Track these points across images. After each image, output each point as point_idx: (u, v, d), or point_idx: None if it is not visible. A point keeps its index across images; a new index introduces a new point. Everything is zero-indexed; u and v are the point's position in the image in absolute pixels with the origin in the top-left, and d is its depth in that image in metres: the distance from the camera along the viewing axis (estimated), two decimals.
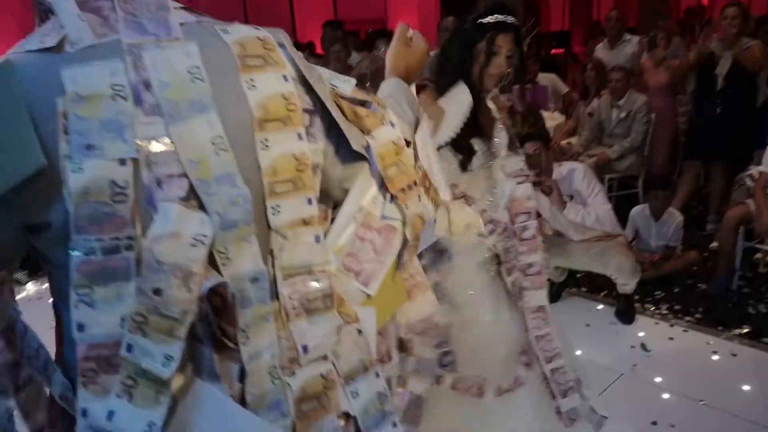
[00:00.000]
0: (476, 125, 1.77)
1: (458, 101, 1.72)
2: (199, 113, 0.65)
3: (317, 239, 0.73)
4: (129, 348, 0.62)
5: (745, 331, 2.96)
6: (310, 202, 0.73)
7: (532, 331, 1.79)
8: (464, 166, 1.76)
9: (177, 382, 0.64)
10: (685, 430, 2.25)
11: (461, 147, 1.76)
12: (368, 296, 0.80)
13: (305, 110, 0.75)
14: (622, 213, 3.66)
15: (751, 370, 2.62)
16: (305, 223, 0.72)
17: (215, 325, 0.65)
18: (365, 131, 0.81)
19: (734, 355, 2.76)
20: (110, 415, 0.62)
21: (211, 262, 0.65)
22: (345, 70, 4.35)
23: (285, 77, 0.73)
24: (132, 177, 0.63)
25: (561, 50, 8.31)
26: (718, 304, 3.21)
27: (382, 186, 0.82)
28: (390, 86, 0.99)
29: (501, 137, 1.86)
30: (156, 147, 0.64)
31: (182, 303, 0.61)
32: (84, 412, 0.64)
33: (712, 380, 2.57)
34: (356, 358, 0.76)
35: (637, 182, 4.45)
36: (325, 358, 0.73)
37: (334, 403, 0.74)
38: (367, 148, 0.80)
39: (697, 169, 4.36)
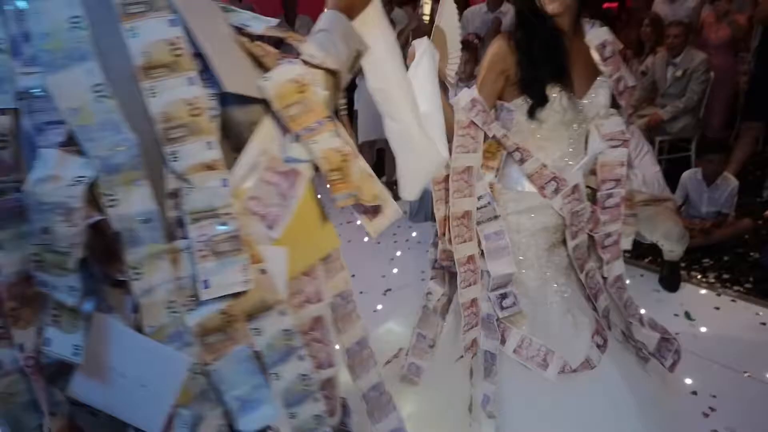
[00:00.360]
0: (558, 70, 1.58)
1: (449, 15, 1.58)
2: (78, 62, 0.68)
3: (224, 183, 0.75)
4: (42, 284, 0.69)
5: None
6: (210, 146, 0.74)
7: (617, 302, 1.71)
8: (531, 113, 1.59)
9: (83, 315, 0.71)
10: (726, 400, 2.19)
11: (533, 91, 1.58)
12: (275, 239, 0.81)
13: (197, 54, 0.74)
14: (672, 177, 3.51)
15: None
16: (208, 167, 0.73)
17: (104, 260, 0.71)
18: (266, 71, 0.81)
19: None
20: (47, 341, 0.71)
21: (99, 204, 0.71)
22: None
23: (172, 21, 0.72)
24: (12, 125, 0.68)
25: (614, 4, 7.90)
26: None
27: (286, 127, 0.81)
28: (325, 19, 0.95)
29: (600, 94, 1.65)
30: (35, 96, 0.68)
31: (68, 237, 0.67)
32: (21, 348, 0.73)
33: (758, 352, 2.48)
34: (257, 297, 0.78)
35: (690, 145, 4.25)
36: (223, 296, 0.76)
37: (241, 334, 0.77)
38: (264, 88, 0.80)
39: (756, 132, 4.12)
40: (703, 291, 3.02)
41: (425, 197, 4.23)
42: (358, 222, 0.96)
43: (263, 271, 0.78)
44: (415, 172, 1.20)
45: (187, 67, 0.72)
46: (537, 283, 1.70)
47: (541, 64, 1.56)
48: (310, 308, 0.89)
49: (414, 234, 3.93)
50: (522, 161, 1.62)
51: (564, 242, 1.70)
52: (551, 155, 1.64)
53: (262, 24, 0.84)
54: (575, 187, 1.64)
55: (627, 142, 1.67)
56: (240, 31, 0.83)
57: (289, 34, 0.87)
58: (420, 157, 1.16)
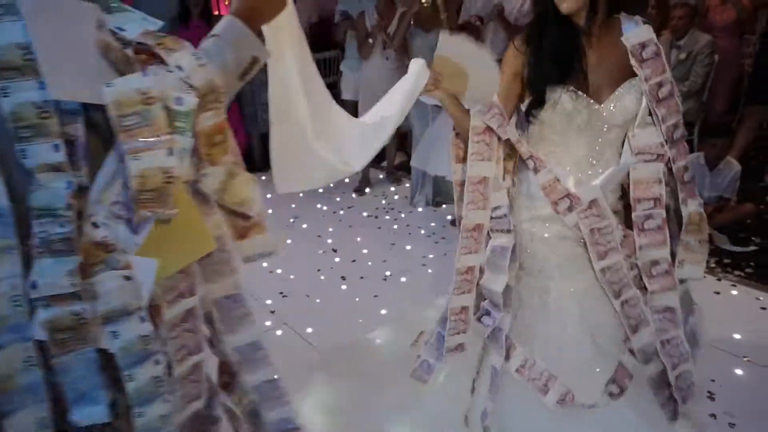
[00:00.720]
0: (564, 71, 1.48)
1: (481, 65, 1.52)
2: None
3: (68, 186, 0.78)
4: None
5: None
6: (56, 149, 0.77)
7: (657, 335, 1.56)
8: (527, 112, 1.52)
9: None
10: (724, 385, 2.20)
11: (531, 90, 1.50)
12: (139, 244, 0.84)
13: None
14: None
15: None
16: (54, 168, 0.78)
17: None
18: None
19: None
20: None
21: None
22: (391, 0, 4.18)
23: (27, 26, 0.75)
24: None
25: None
26: None
27: (115, 136, 0.83)
28: (220, 25, 0.97)
29: (627, 99, 1.50)
30: None
31: None
32: None
33: (758, 337, 2.48)
34: (118, 302, 0.82)
35: (692, 129, 4.22)
36: (78, 297, 0.79)
37: (92, 336, 0.80)
38: (103, 93, 0.82)
39: (759, 116, 4.10)
40: (704, 276, 3.01)
41: (426, 182, 4.22)
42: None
43: (128, 278, 0.82)
44: (301, 178, 1.24)
45: (38, 72, 0.76)
46: (554, 297, 1.60)
47: (546, 64, 1.49)
48: (182, 302, 0.93)
49: (415, 219, 3.92)
50: (536, 170, 1.54)
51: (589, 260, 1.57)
52: (563, 162, 1.54)
53: (139, 29, 0.86)
54: (593, 203, 1.52)
55: (663, 157, 1.50)
56: (115, 35, 0.85)
57: (160, 41, 0.88)
58: (308, 165, 1.20)
